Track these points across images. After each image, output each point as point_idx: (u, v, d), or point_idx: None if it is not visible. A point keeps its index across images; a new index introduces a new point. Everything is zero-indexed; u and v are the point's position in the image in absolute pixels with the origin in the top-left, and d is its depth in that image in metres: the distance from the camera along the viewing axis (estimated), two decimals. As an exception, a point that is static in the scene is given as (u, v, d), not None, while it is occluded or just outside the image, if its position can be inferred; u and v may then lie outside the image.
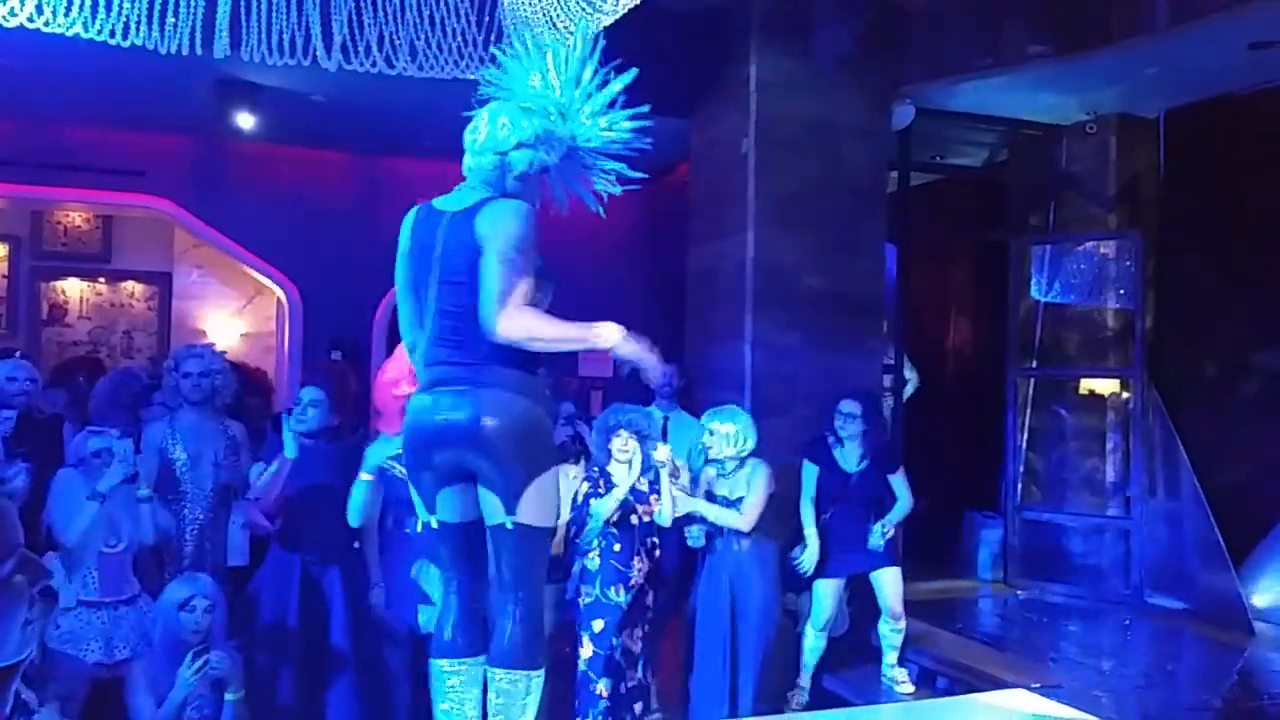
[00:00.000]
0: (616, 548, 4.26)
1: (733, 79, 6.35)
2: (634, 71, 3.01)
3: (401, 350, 4.28)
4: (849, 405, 4.98)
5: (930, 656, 5.39)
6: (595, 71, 3.09)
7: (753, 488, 4.64)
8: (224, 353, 4.65)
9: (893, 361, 6.86)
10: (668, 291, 8.67)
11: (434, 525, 2.92)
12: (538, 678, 2.86)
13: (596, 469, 4.40)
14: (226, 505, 4.34)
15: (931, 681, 5.22)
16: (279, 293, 8.94)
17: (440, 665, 2.92)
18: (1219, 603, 6.06)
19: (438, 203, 3.01)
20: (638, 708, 4.32)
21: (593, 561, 4.27)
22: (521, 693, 2.84)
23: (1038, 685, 4.42)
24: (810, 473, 5.04)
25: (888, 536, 4.92)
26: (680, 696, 4.85)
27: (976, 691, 4.23)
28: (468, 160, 3.05)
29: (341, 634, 4.04)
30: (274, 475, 4.00)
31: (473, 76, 3.97)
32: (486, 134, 2.99)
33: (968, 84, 6.41)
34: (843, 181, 6.27)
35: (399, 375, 4.20)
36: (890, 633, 5.05)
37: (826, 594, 4.93)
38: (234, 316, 9.67)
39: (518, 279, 2.83)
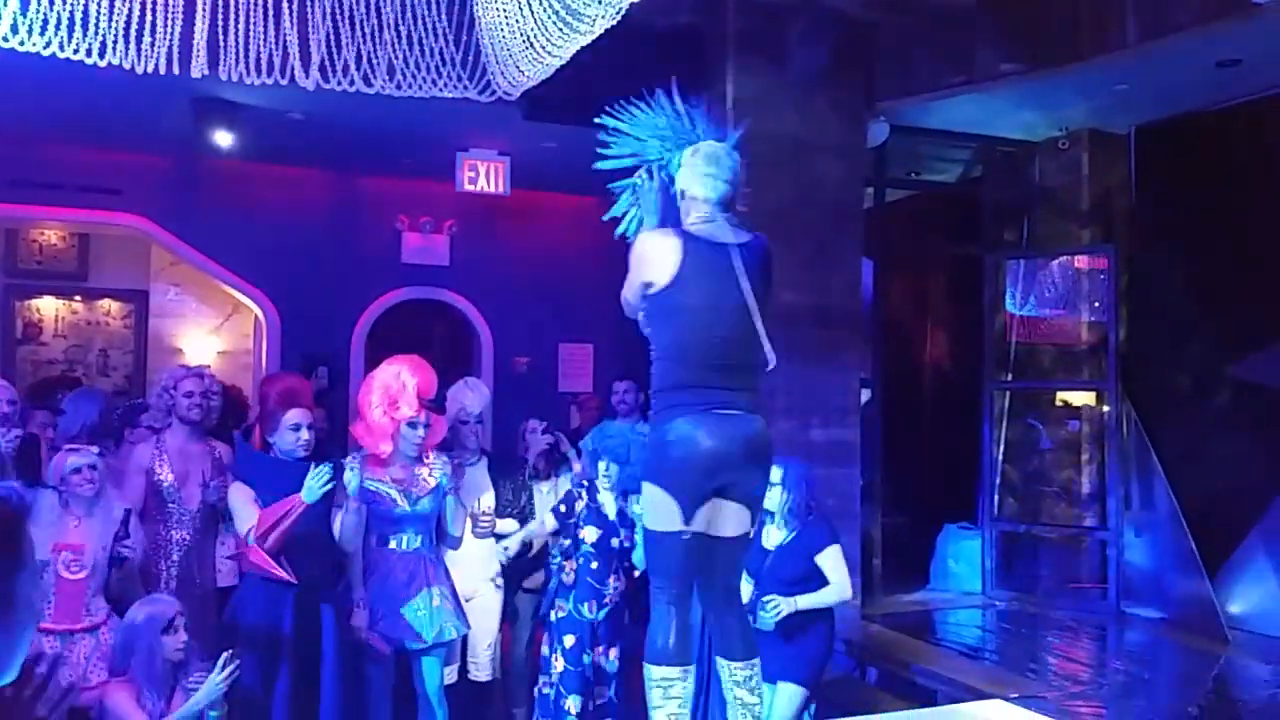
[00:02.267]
0: (594, 565, 4.26)
1: (709, 95, 6.38)
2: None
3: (394, 369, 4.28)
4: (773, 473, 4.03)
5: (909, 668, 5.42)
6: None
7: None
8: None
9: (869, 376, 6.91)
10: (647, 307, 8.70)
11: (686, 537, 2.96)
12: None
13: (586, 482, 4.40)
14: (214, 526, 4.32)
15: (910, 692, 5.24)
16: (256, 310, 8.90)
17: (668, 673, 3.01)
18: (1195, 611, 6.12)
19: (695, 229, 3.06)
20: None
21: (568, 576, 4.27)
22: (758, 680, 3.09)
23: (1017, 696, 4.45)
24: None
25: (778, 615, 3.98)
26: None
27: (956, 703, 4.25)
28: (720, 190, 3.15)
29: (331, 654, 3.99)
30: (285, 521, 3.78)
31: (450, 95, 3.99)
32: (733, 168, 3.15)
33: (941, 101, 6.49)
34: (819, 198, 6.32)
35: (396, 396, 4.18)
36: None
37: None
38: (211, 334, 9.62)
39: None
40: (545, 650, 4.30)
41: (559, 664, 4.19)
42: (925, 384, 9.00)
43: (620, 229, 3.31)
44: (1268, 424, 6.18)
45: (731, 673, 3.09)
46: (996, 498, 7.25)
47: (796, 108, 6.29)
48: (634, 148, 3.33)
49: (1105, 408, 6.88)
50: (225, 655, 3.40)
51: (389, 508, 4.17)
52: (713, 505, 2.97)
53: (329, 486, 3.83)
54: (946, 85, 6.41)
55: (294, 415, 4.00)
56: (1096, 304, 6.98)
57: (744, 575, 4.04)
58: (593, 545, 4.27)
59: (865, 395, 6.94)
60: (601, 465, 4.35)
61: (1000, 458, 7.29)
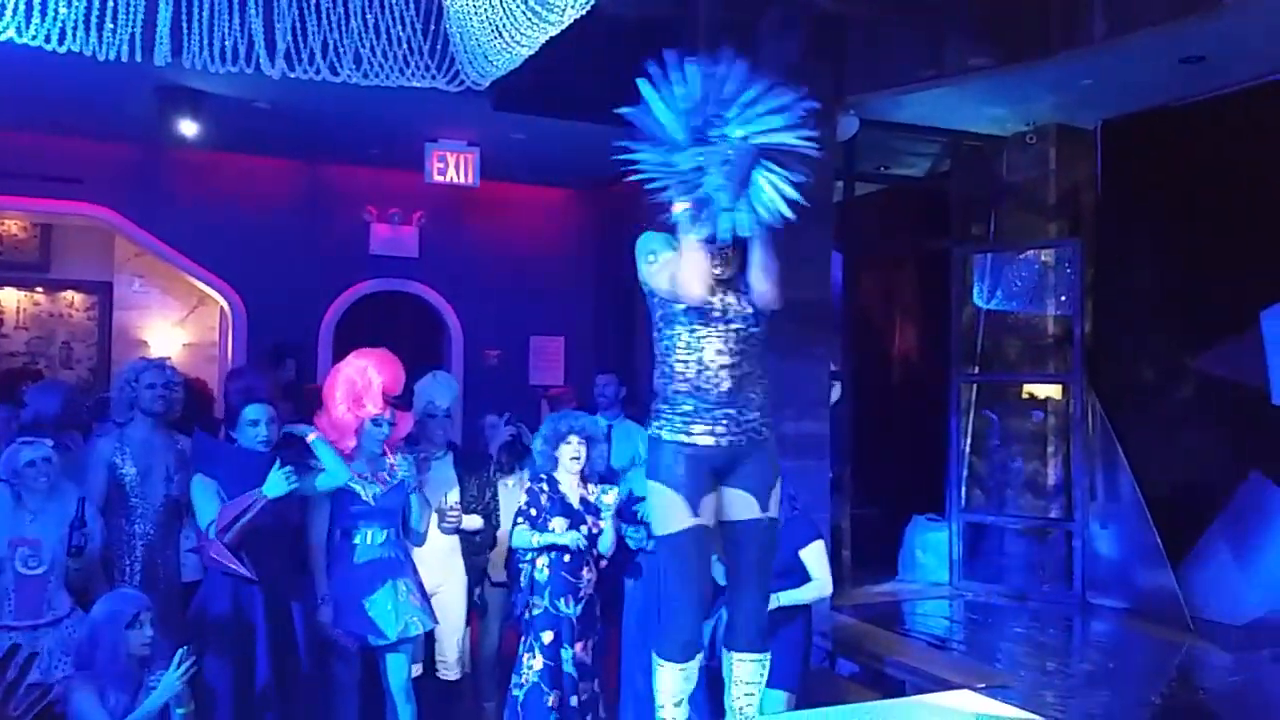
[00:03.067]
0: (567, 558, 4.22)
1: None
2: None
3: (360, 364, 4.23)
4: None
5: (878, 659, 5.46)
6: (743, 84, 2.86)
7: None
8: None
9: (838, 369, 6.94)
10: (616, 299, 8.70)
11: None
12: None
13: (544, 477, 4.35)
14: (178, 520, 4.25)
15: (878, 683, 5.28)
16: (222, 302, 8.81)
17: (760, 660, 3.08)
18: (1158, 601, 6.21)
19: None
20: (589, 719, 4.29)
21: (541, 573, 4.23)
22: (763, 675, 3.11)
23: (983, 685, 4.49)
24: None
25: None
26: (617, 704, 4.85)
27: (923, 692, 4.28)
28: None
29: (299, 650, 3.96)
30: (248, 514, 3.74)
31: (418, 85, 3.95)
32: None
33: (910, 96, 6.52)
34: (789, 190, 6.32)
35: (361, 392, 4.14)
36: None
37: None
38: (176, 326, 9.50)
39: None
40: (520, 648, 4.26)
41: (537, 661, 4.15)
42: (894, 377, 9.06)
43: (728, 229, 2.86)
44: (1230, 417, 6.27)
45: (737, 665, 3.10)
46: (964, 490, 7.31)
47: (767, 100, 6.29)
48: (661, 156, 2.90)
49: (1070, 400, 6.95)
50: (181, 651, 3.35)
51: (353, 503, 4.14)
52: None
53: (293, 485, 3.80)
54: (916, 79, 6.44)
55: (252, 411, 3.97)
56: (1063, 298, 7.04)
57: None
58: (565, 539, 4.24)
59: (836, 391, 6.96)
60: (568, 448, 4.30)
61: (967, 450, 7.35)
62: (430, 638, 4.51)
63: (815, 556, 4.13)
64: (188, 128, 6.86)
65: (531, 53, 3.89)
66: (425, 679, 4.53)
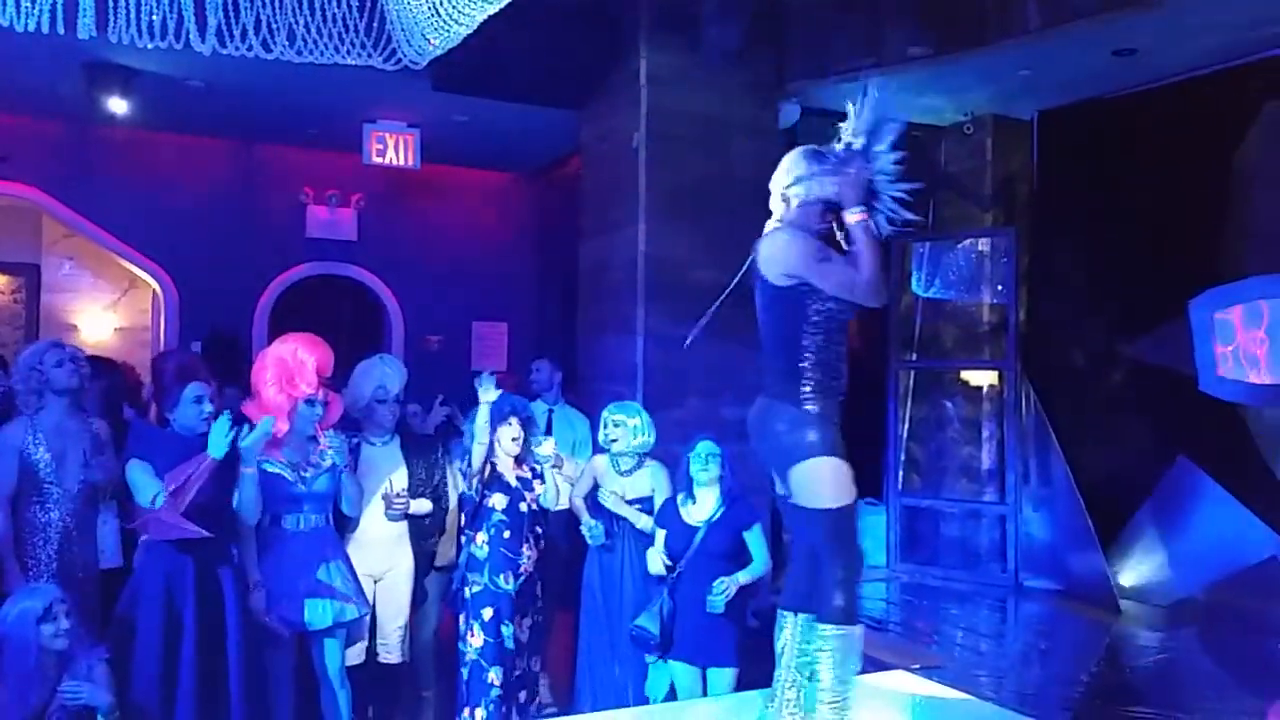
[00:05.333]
0: (506, 535, 4.24)
1: (623, 73, 6.37)
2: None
3: (290, 346, 4.17)
4: (708, 446, 4.38)
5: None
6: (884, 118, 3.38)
7: (660, 490, 4.65)
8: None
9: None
10: (559, 285, 8.66)
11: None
12: None
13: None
14: (94, 506, 4.13)
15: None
16: (154, 285, 8.62)
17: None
18: (1089, 583, 6.35)
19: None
20: (523, 696, 4.32)
21: (481, 550, 4.23)
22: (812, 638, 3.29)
23: (918, 666, 4.56)
24: (659, 536, 4.46)
25: (727, 595, 4.13)
26: (570, 689, 4.85)
27: (860, 674, 4.33)
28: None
29: (234, 637, 3.88)
30: (195, 478, 3.66)
31: (353, 62, 3.88)
32: (774, 178, 3.41)
33: (851, 84, 6.54)
34: (732, 176, 6.35)
35: (293, 373, 4.08)
36: None
37: (678, 679, 4.34)
38: (107, 310, 9.26)
39: None
40: (461, 627, 4.25)
41: (477, 638, 4.16)
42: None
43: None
44: (1159, 403, 6.42)
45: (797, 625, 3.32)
46: (901, 474, 7.42)
47: (709, 86, 6.31)
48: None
49: (1005, 386, 7.07)
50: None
51: (284, 487, 4.08)
52: None
53: (232, 435, 3.73)
54: (856, 68, 6.47)
55: (195, 388, 3.88)
56: (999, 286, 7.16)
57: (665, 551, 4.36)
58: (503, 513, 4.24)
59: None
60: (508, 429, 4.28)
61: (905, 434, 7.45)
62: (372, 622, 4.48)
63: (757, 538, 4.31)
64: (117, 105, 6.68)
65: (470, 32, 3.84)
66: (365, 664, 4.49)
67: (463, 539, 4.43)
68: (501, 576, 4.21)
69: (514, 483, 4.33)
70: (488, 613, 4.18)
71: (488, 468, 4.28)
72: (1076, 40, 5.71)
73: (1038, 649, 5.82)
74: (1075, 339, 7.07)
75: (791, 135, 7.01)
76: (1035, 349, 7.08)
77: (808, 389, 3.18)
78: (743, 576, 4.21)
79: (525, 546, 4.29)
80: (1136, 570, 6.41)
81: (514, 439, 4.30)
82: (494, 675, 4.14)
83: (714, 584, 4.14)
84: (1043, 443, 6.82)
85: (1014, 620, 6.39)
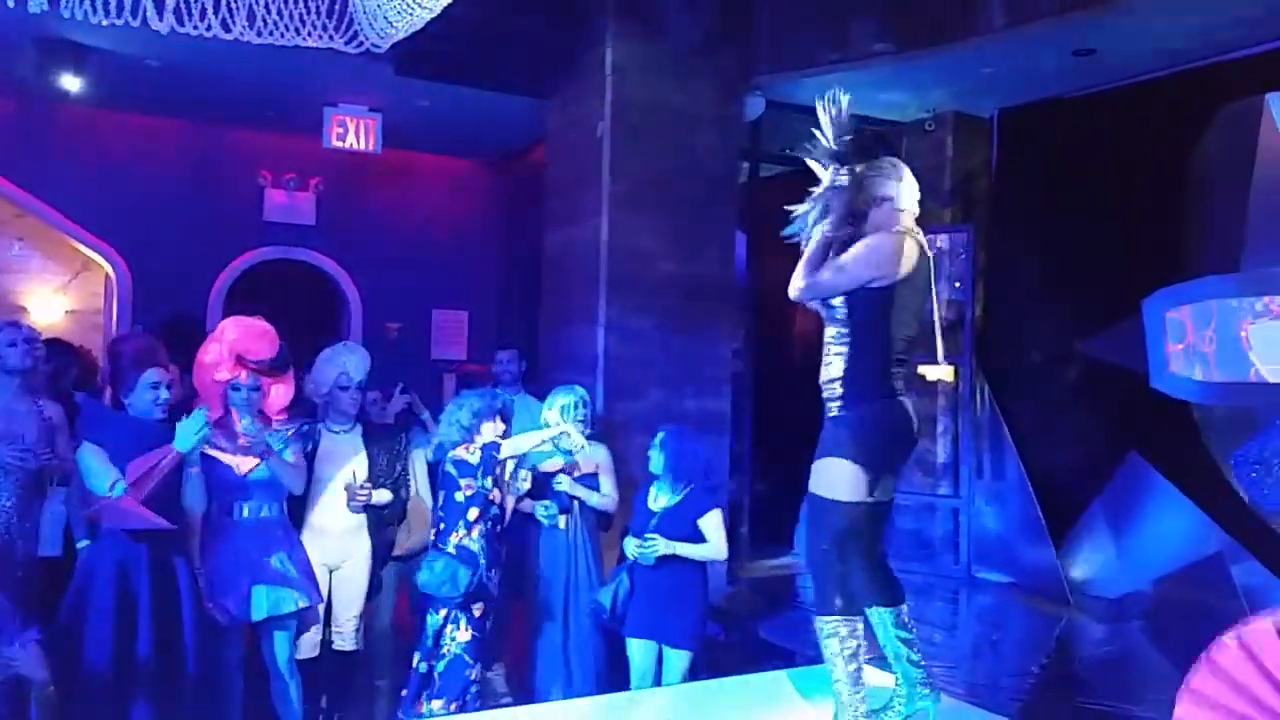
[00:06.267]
0: (498, 530, 4.25)
1: (589, 62, 6.35)
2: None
3: (222, 332, 4.12)
4: (660, 434, 4.48)
5: (771, 631, 5.56)
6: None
7: (604, 467, 4.75)
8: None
9: (741, 346, 7.02)
10: (521, 274, 8.63)
11: (874, 504, 3.25)
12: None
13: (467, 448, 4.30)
14: (40, 492, 4.03)
15: (771, 655, 5.37)
16: (107, 268, 8.46)
17: (820, 622, 3.27)
18: (1040, 576, 6.45)
19: (916, 236, 3.35)
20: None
21: (475, 543, 4.15)
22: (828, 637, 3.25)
23: (870, 657, 4.59)
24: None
25: (655, 552, 4.22)
26: (523, 680, 4.85)
27: (813, 664, 4.36)
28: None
29: (189, 625, 3.82)
30: (158, 471, 3.61)
31: (314, 44, 3.82)
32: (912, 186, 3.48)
33: (814, 78, 6.58)
34: (696, 169, 6.36)
35: (219, 359, 4.03)
36: None
37: (634, 654, 4.41)
38: (58, 292, 9.06)
39: None
40: (437, 622, 4.15)
41: (464, 633, 4.08)
42: (794, 356, 9.19)
43: (795, 229, 3.50)
44: (1111, 399, 6.52)
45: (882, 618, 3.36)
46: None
47: (674, 77, 6.30)
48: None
49: (960, 381, 7.15)
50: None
51: (228, 475, 4.03)
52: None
53: (204, 433, 3.67)
54: (820, 63, 6.51)
55: (153, 374, 3.81)
56: (956, 284, 7.23)
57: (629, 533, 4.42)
58: (499, 508, 4.24)
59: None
60: (491, 426, 4.25)
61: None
62: (328, 611, 4.44)
63: (713, 524, 4.35)
64: (70, 83, 6.54)
65: (433, 15, 3.80)
66: (321, 654, 4.45)
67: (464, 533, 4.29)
68: (493, 572, 4.20)
69: (507, 478, 4.38)
70: (478, 609, 4.14)
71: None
72: (1037, 40, 5.78)
73: (989, 640, 5.91)
74: (1030, 335, 7.16)
75: (756, 128, 7.04)
76: (991, 345, 7.16)
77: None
78: (682, 548, 4.26)
79: (503, 545, 4.33)
80: (1086, 564, 6.52)
81: (497, 436, 4.29)
82: (476, 671, 4.12)
83: (645, 536, 4.25)
84: (997, 438, 6.91)
85: (966, 612, 6.48)
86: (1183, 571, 5.97)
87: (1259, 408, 5.58)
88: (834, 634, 3.20)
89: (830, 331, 3.28)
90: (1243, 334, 5.43)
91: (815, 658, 4.72)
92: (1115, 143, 6.39)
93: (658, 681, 4.37)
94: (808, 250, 3.35)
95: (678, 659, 4.33)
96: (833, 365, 3.24)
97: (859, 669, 3.21)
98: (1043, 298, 6.98)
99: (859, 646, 3.21)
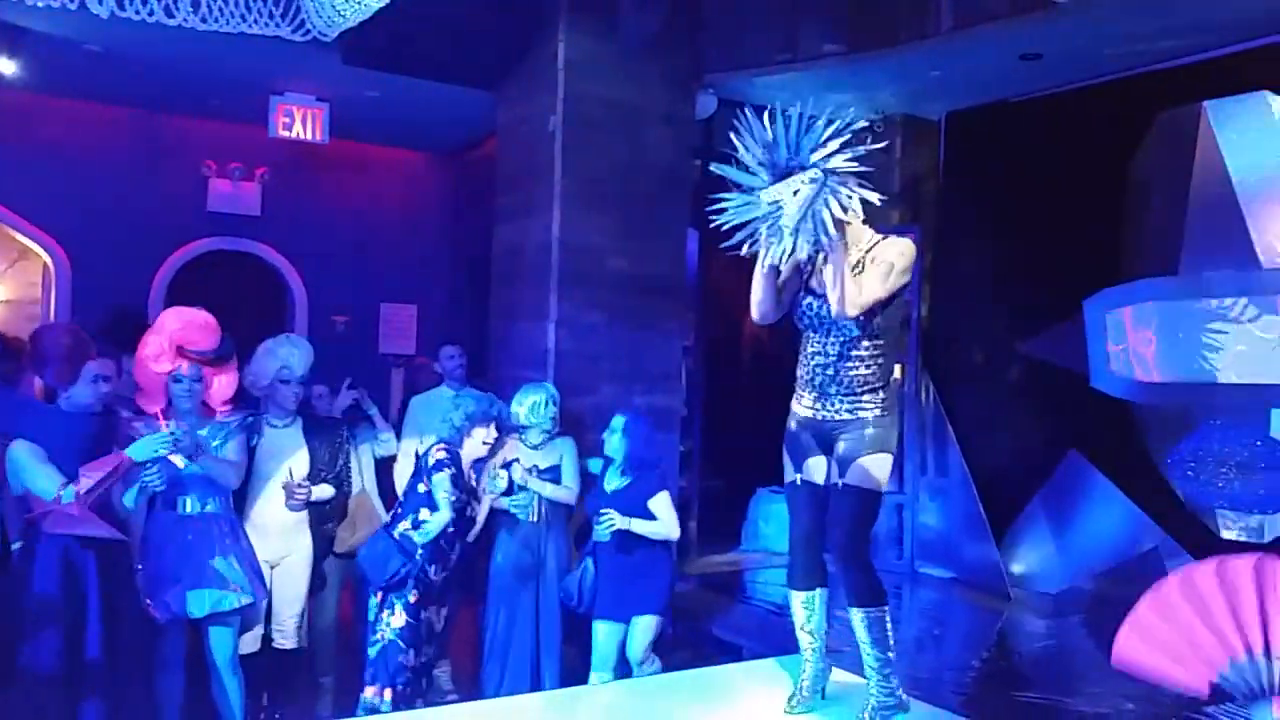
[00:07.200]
0: (449, 529, 4.25)
1: (541, 56, 6.31)
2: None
3: (163, 323, 4.05)
4: (616, 420, 4.66)
5: (721, 625, 5.59)
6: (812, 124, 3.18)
7: (568, 460, 4.83)
8: None
9: (691, 343, 7.03)
10: (471, 268, 8.57)
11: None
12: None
13: (448, 448, 4.28)
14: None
15: (722, 649, 5.40)
16: (45, 257, 8.26)
17: (862, 613, 3.48)
18: (981, 571, 6.56)
19: None
20: (424, 682, 4.32)
21: (422, 536, 4.18)
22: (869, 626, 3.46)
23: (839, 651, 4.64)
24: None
25: (611, 527, 4.40)
26: (473, 677, 4.83)
27: (760, 658, 4.40)
28: None
29: (112, 621, 3.73)
30: (113, 478, 3.57)
31: (259, 32, 3.76)
32: None
33: (766, 78, 6.61)
34: (648, 165, 6.36)
35: (159, 350, 3.96)
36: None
37: (598, 635, 4.58)
38: (-8, 282, 8.86)
39: None
40: (375, 605, 4.20)
41: (399, 619, 4.14)
42: (743, 353, 9.24)
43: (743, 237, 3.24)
44: (1051, 398, 6.64)
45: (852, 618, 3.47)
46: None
47: (627, 73, 6.30)
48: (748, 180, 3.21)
49: (905, 379, 7.24)
50: None
51: (168, 469, 3.95)
52: None
53: (165, 449, 3.61)
54: (772, 62, 6.54)
55: (96, 366, 3.72)
56: (904, 282, 7.29)
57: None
58: (453, 509, 4.22)
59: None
60: (483, 431, 4.30)
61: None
62: (269, 607, 4.38)
63: (662, 504, 4.57)
64: (6, 66, 6.38)
65: (382, 4, 3.76)
66: (261, 650, 4.39)
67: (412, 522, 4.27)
68: (433, 567, 4.20)
69: (467, 482, 4.36)
70: (414, 596, 4.16)
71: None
72: (985, 43, 5.86)
73: (931, 634, 5.99)
74: (975, 335, 7.27)
75: (709, 126, 7.05)
76: (936, 344, 7.26)
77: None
78: (637, 524, 4.44)
79: (458, 542, 4.35)
80: (1027, 559, 6.64)
81: (485, 442, 4.34)
82: (408, 658, 4.15)
83: (600, 512, 4.46)
84: (941, 435, 7.01)
85: (909, 606, 6.55)
86: (1120, 567, 6.11)
87: (1194, 407, 5.72)
88: (882, 619, 3.42)
89: (837, 338, 3.36)
90: (1184, 335, 5.57)
91: (763, 651, 4.76)
92: (1059, 146, 6.50)
93: (622, 659, 4.57)
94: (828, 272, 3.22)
95: (644, 625, 4.54)
96: (866, 369, 3.35)
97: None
98: (987, 298, 7.08)
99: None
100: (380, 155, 9.14)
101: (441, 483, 4.16)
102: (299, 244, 8.88)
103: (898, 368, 7.36)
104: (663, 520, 4.54)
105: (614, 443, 4.60)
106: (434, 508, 4.15)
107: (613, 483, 4.61)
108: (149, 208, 8.25)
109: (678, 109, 6.54)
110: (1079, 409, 6.34)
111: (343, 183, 8.96)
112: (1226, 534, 5.55)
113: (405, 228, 9.32)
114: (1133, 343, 5.90)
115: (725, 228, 3.21)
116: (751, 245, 3.22)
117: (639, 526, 4.46)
